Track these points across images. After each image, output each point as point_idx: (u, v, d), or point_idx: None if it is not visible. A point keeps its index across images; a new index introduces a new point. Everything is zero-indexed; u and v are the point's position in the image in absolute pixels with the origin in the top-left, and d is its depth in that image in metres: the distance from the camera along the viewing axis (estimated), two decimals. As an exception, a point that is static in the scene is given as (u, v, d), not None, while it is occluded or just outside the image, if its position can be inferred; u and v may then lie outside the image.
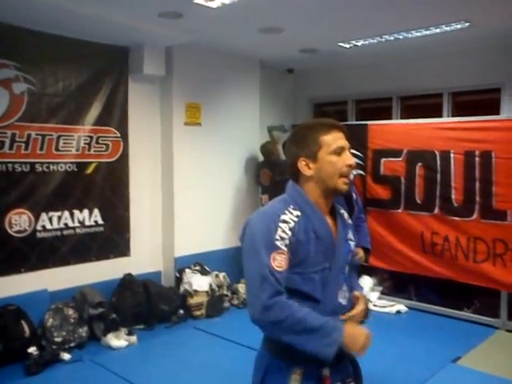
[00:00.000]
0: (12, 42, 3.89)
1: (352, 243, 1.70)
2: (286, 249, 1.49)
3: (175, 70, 4.83)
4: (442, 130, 4.50)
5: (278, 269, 1.47)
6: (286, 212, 1.54)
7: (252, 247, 1.51)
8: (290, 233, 1.51)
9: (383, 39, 4.51)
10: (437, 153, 4.49)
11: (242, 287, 5.08)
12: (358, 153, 4.84)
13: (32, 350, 3.56)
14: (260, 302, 1.45)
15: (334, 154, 1.57)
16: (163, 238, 5.02)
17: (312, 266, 1.54)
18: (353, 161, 1.60)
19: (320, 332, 1.45)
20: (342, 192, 1.62)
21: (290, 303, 1.46)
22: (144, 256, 4.85)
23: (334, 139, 1.58)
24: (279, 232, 1.50)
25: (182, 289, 4.70)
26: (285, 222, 1.52)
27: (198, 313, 4.60)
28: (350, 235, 1.71)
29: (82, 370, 3.56)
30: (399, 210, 4.74)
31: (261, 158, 5.54)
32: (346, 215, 1.77)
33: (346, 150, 1.60)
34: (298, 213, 1.55)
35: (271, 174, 5.24)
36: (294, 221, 1.53)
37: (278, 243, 1.49)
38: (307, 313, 1.47)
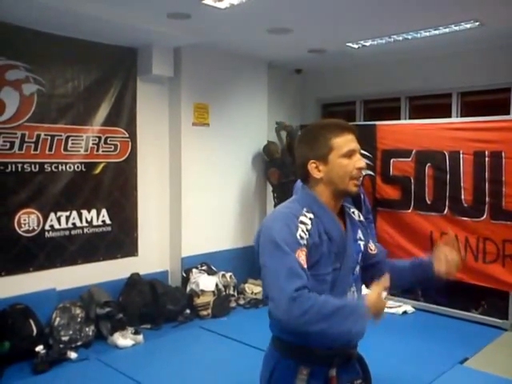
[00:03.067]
0: (22, 43, 3.93)
1: (362, 243, 1.69)
2: (305, 248, 1.47)
3: (183, 70, 4.85)
4: (450, 130, 4.47)
5: (304, 265, 1.45)
6: (303, 213, 1.53)
7: (274, 244, 1.46)
8: (307, 234, 1.49)
9: (392, 39, 4.49)
10: (446, 153, 4.46)
11: (248, 287, 5.09)
12: (366, 153, 4.82)
13: (39, 348, 3.59)
14: (286, 294, 1.39)
15: (345, 157, 1.55)
16: (170, 238, 5.03)
17: (324, 267, 1.53)
18: (363, 163, 1.59)
19: (346, 309, 1.41)
20: (352, 194, 1.61)
21: (312, 293, 1.42)
22: (151, 256, 4.87)
23: (346, 142, 1.56)
24: (299, 231, 1.48)
25: (188, 288, 4.72)
26: (302, 223, 1.50)
27: (205, 312, 4.61)
28: (360, 235, 1.69)
29: (89, 369, 3.58)
30: (409, 211, 4.71)
31: (266, 160, 5.55)
32: (356, 213, 1.75)
33: (357, 152, 1.58)
34: (311, 215, 1.54)
35: (279, 173, 5.24)
36: (310, 223, 1.52)
37: (300, 241, 1.47)
38: (328, 297, 1.45)
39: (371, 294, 1.45)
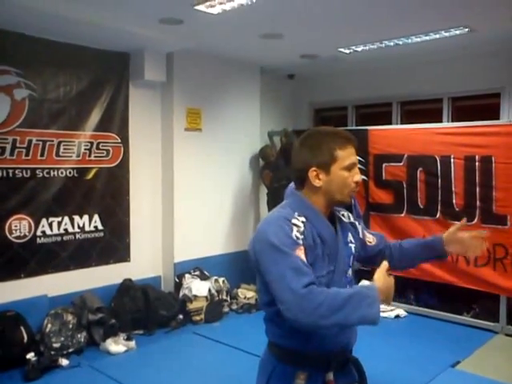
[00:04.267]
0: (13, 48, 3.92)
1: (352, 246, 1.70)
2: (303, 247, 1.48)
3: (176, 75, 4.85)
4: (441, 134, 4.50)
5: (306, 262, 1.46)
6: (294, 217, 1.54)
7: (272, 248, 1.47)
8: (302, 235, 1.50)
9: (383, 45, 4.52)
10: (437, 158, 4.49)
11: (241, 292, 5.08)
12: (359, 158, 4.84)
13: (30, 355, 3.55)
14: (295, 293, 1.39)
15: (346, 170, 1.57)
16: (163, 243, 5.02)
17: (320, 270, 1.54)
18: (360, 178, 1.62)
19: (358, 296, 1.41)
20: (346, 205, 1.65)
21: (321, 288, 1.43)
22: (144, 261, 4.85)
23: (349, 155, 1.57)
24: (294, 232, 1.49)
25: (181, 294, 4.70)
26: (295, 225, 1.51)
27: (198, 318, 4.59)
28: (350, 238, 1.71)
29: (81, 376, 3.55)
30: (402, 215, 4.74)
31: (261, 162, 5.56)
32: (346, 215, 1.76)
33: (356, 166, 1.61)
34: (303, 219, 1.55)
35: (272, 176, 5.25)
36: (302, 226, 1.53)
37: (297, 241, 1.48)
38: (336, 289, 1.46)
39: (377, 275, 1.48)
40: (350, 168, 1.57)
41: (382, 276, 1.47)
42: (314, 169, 1.57)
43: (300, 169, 1.61)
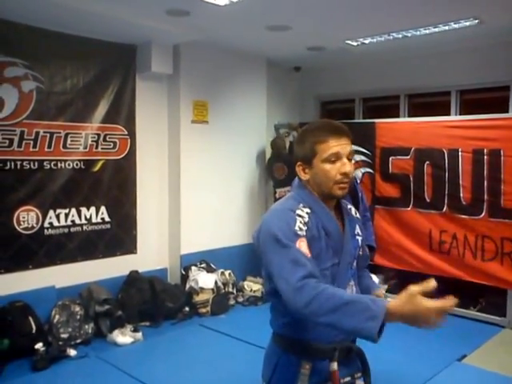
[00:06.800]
0: (21, 40, 3.92)
1: (360, 238, 1.70)
2: (305, 239, 1.48)
3: (183, 67, 4.84)
4: (449, 128, 4.48)
5: (307, 254, 1.45)
6: (299, 208, 1.55)
7: (274, 240, 1.48)
8: (305, 227, 1.50)
9: (391, 37, 4.49)
10: (445, 151, 4.47)
11: (247, 285, 5.09)
12: (365, 151, 4.83)
13: (39, 346, 3.58)
14: (291, 285, 1.39)
15: (328, 162, 1.55)
16: (169, 236, 5.04)
17: (324, 262, 1.54)
18: (348, 168, 1.55)
19: (358, 305, 1.32)
20: (338, 197, 1.62)
21: (320, 284, 1.39)
22: (150, 253, 4.87)
23: (329, 147, 1.54)
24: (298, 223, 1.49)
25: (187, 286, 4.72)
26: (299, 216, 1.52)
27: (204, 310, 4.61)
28: (358, 230, 1.71)
29: (88, 366, 3.59)
30: (408, 208, 4.72)
31: (268, 155, 5.55)
32: (353, 210, 1.77)
33: (343, 156, 1.55)
34: (308, 210, 1.55)
35: (285, 168, 5.21)
36: (307, 216, 1.53)
37: (299, 232, 1.48)
38: (338, 290, 1.41)
39: (401, 295, 1.32)
40: (331, 160, 1.54)
41: (406, 297, 1.30)
42: (299, 163, 1.61)
43: (293, 163, 1.65)
